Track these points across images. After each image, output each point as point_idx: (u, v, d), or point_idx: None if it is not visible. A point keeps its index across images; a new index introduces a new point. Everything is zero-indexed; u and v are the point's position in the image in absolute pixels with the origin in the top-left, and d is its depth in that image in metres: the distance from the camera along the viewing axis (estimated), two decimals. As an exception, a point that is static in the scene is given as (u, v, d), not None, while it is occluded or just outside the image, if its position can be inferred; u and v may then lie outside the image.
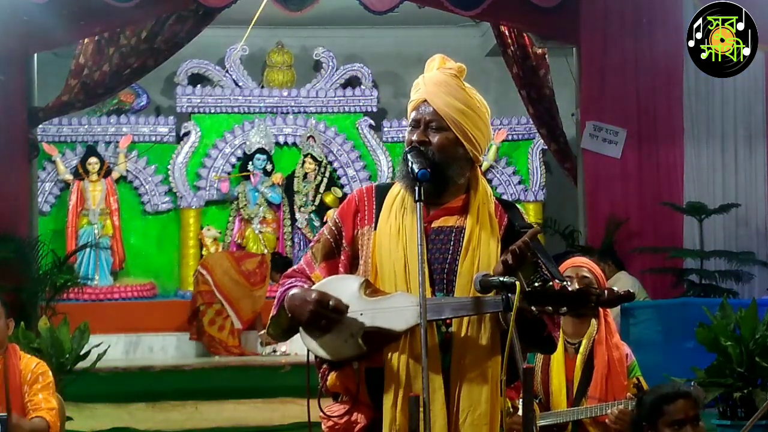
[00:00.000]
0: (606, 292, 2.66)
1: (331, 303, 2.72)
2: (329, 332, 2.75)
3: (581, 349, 4.49)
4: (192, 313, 10.33)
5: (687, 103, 9.10)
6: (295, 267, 2.99)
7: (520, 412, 3.19)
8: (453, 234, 2.85)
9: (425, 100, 2.88)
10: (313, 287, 2.83)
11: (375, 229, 2.88)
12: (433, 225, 2.86)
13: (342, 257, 2.91)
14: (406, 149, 2.86)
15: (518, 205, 3.07)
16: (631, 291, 2.70)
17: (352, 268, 2.89)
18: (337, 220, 2.95)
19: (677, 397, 3.68)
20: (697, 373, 5.86)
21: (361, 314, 2.75)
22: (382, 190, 2.94)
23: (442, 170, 2.83)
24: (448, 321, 2.78)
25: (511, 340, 2.60)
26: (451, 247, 2.83)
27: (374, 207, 2.92)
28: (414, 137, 2.86)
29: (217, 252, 11.06)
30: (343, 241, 2.92)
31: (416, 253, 2.73)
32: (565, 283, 2.66)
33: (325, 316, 2.73)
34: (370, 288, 2.79)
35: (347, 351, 2.75)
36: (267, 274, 10.53)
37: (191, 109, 11.59)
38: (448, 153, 2.84)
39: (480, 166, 3.00)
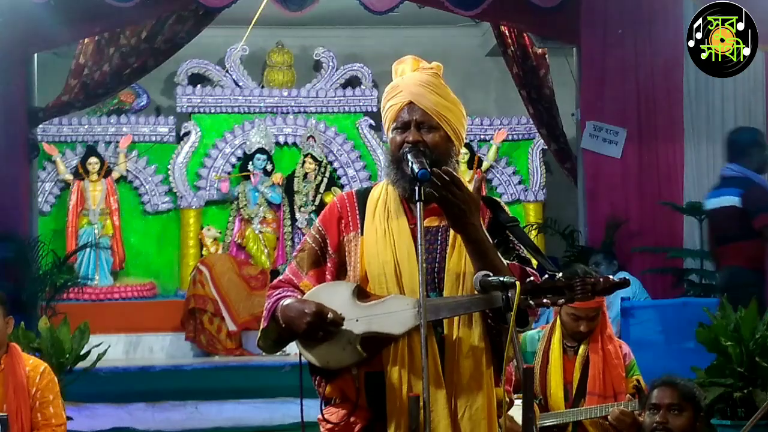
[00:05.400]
0: (602, 279, 2.70)
1: (329, 316, 2.71)
2: (326, 342, 2.75)
3: (580, 351, 4.51)
4: (187, 312, 10.33)
5: (687, 103, 9.08)
6: (280, 278, 2.97)
7: (512, 410, 3.22)
8: (440, 233, 2.86)
9: (410, 102, 2.88)
10: (306, 296, 2.82)
11: (362, 234, 2.88)
12: None
13: (328, 264, 2.91)
14: (405, 150, 2.84)
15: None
16: (626, 278, 2.74)
17: (339, 275, 2.89)
18: (321, 228, 2.95)
19: (659, 383, 3.94)
20: (697, 373, 5.85)
21: (357, 321, 2.74)
22: (363, 195, 2.96)
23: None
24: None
25: (512, 340, 2.60)
26: (438, 247, 2.84)
27: (357, 212, 2.92)
28: (410, 138, 2.86)
29: (218, 253, 11.08)
30: (329, 248, 2.92)
31: (406, 255, 2.77)
32: (556, 273, 2.69)
33: (322, 329, 2.72)
34: (363, 293, 2.79)
35: (347, 359, 2.75)
36: (267, 283, 10.54)
37: (191, 109, 11.58)
38: (443, 150, 2.86)
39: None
